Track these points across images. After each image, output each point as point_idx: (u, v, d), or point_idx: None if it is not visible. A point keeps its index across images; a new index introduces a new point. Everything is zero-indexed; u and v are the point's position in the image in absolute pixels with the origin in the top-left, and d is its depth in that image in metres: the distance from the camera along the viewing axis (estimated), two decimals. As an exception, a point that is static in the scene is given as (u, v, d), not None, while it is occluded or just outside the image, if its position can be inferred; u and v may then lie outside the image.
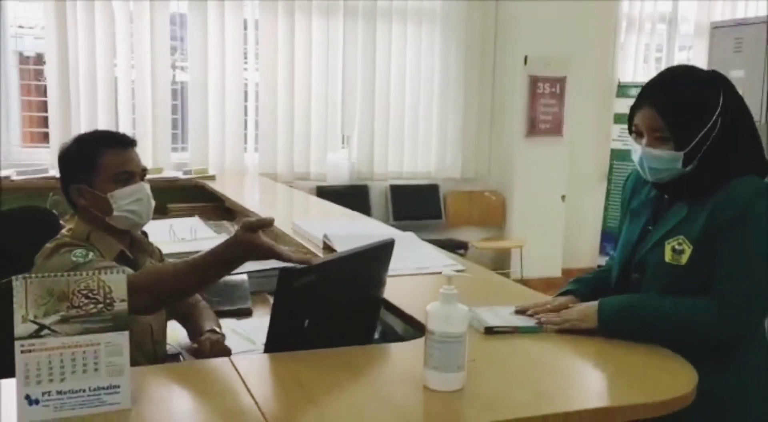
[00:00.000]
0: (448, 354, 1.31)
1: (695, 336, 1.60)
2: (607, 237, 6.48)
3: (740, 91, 3.64)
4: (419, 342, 1.46)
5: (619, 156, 6.42)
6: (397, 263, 2.17)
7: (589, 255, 6.58)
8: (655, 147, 1.64)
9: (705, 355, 1.57)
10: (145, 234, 2.06)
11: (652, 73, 7.00)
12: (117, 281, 1.21)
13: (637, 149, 1.69)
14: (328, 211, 3.69)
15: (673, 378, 1.45)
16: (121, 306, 1.21)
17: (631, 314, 1.64)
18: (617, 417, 1.33)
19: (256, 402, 1.25)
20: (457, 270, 2.19)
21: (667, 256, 1.65)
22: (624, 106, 6.36)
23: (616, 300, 1.69)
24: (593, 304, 1.68)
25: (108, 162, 1.87)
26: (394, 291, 1.92)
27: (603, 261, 6.48)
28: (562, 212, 6.34)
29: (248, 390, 1.31)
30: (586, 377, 1.52)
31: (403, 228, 2.82)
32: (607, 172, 6.50)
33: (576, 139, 6.36)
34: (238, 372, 1.39)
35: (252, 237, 1.55)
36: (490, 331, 1.64)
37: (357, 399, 1.32)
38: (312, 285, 1.55)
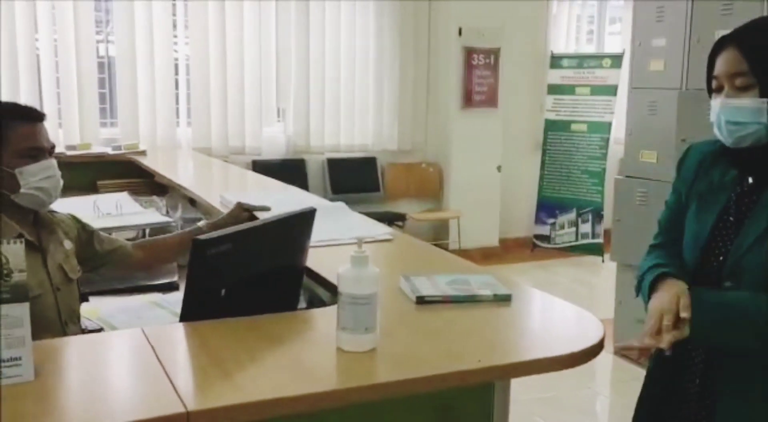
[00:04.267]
0: (357, 316, 1.32)
1: None
2: (543, 206, 6.60)
3: (661, 61, 3.76)
4: (333, 308, 1.47)
5: (552, 126, 6.53)
6: (327, 233, 2.18)
7: (525, 224, 6.71)
8: (737, 97, 1.39)
9: None
10: (52, 212, 1.98)
11: (583, 45, 7.15)
12: (14, 251, 1.17)
13: (715, 105, 1.43)
14: (263, 185, 3.65)
15: (583, 331, 1.50)
16: (19, 277, 1.18)
17: (730, 314, 1.36)
18: (525, 371, 1.37)
19: (166, 372, 1.24)
20: (385, 240, 2.21)
21: None
22: (557, 77, 6.47)
23: (711, 296, 1.40)
24: (680, 287, 1.41)
25: (17, 135, 1.78)
26: (322, 260, 1.93)
27: (539, 230, 6.63)
28: (498, 182, 6.42)
29: (158, 359, 1.30)
30: (502, 337, 1.55)
31: (342, 202, 2.82)
32: (541, 142, 6.60)
33: (510, 110, 6.43)
34: (149, 342, 1.37)
35: (246, 216, 2.12)
36: (421, 301, 1.64)
37: (269, 364, 1.32)
38: (227, 253, 1.54)
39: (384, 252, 2.14)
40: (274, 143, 5.86)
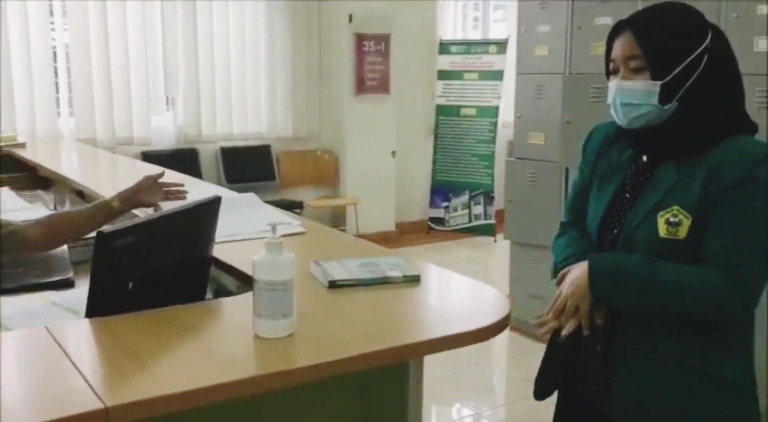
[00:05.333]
0: (274, 302, 1.32)
1: (702, 312, 1.41)
2: (436, 190, 6.76)
3: (546, 47, 3.93)
4: (249, 295, 1.46)
5: (443, 111, 6.67)
6: (237, 226, 2.14)
7: (420, 208, 6.84)
8: (630, 79, 1.45)
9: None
10: None
11: (470, 31, 7.34)
12: None
13: (611, 87, 1.48)
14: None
15: (490, 307, 1.57)
16: None
17: (626, 280, 1.43)
18: (439, 347, 1.42)
19: (78, 369, 1.20)
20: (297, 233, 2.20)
21: (662, 231, 1.43)
22: (446, 63, 6.62)
23: (608, 263, 1.47)
24: (582, 269, 1.47)
25: None
26: (228, 250, 1.91)
27: (434, 213, 6.78)
28: (393, 168, 6.51)
29: (68, 357, 1.25)
30: (415, 316, 1.59)
31: (237, 191, 2.77)
32: (433, 127, 6.74)
33: (403, 96, 6.52)
34: (56, 341, 1.32)
35: (156, 187, 2.20)
36: (333, 285, 1.66)
37: (186, 354, 1.31)
38: (133, 245, 1.50)
39: (293, 239, 2.14)
40: (164, 133, 5.69)
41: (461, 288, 1.79)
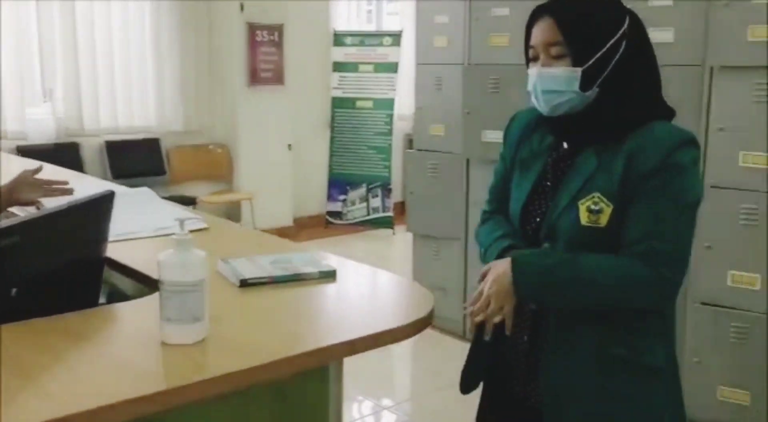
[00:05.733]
0: (184, 305, 1.20)
1: (628, 303, 1.41)
2: (334, 183, 6.67)
3: (444, 38, 3.92)
4: (153, 298, 1.33)
5: (339, 103, 6.59)
6: (132, 224, 1.97)
7: (317, 202, 6.73)
8: (551, 66, 1.42)
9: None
10: None
11: (364, 23, 7.28)
12: None
13: (531, 74, 1.45)
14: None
15: (413, 302, 1.50)
16: None
17: (550, 280, 1.40)
18: (364, 346, 1.34)
19: (-46, 390, 1.04)
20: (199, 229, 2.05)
21: (583, 218, 1.40)
22: (341, 54, 6.53)
23: (530, 263, 1.42)
24: (504, 268, 1.43)
25: None
26: (124, 249, 1.75)
27: (331, 207, 6.69)
28: (289, 161, 6.37)
29: (-59, 377, 1.08)
30: (334, 315, 1.50)
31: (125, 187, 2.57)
32: (329, 119, 6.65)
33: (298, 88, 6.38)
34: (-74, 359, 1.14)
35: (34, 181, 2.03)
36: (245, 284, 1.54)
37: (83, 368, 1.16)
38: (15, 247, 1.33)
39: (196, 236, 1.99)
40: (42, 126, 5.29)
41: (380, 283, 1.72)
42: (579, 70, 1.40)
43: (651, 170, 1.37)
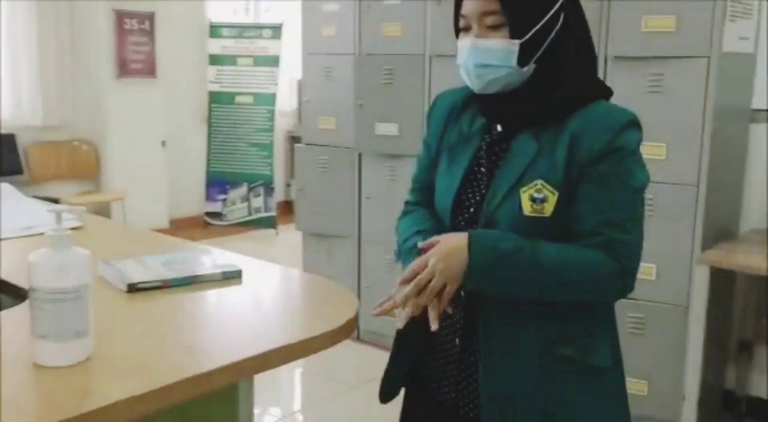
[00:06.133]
0: (62, 317, 0.96)
1: (587, 295, 1.30)
2: (213, 182, 6.33)
3: (333, 27, 3.75)
4: (20, 310, 1.07)
5: (217, 98, 6.27)
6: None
7: (195, 202, 6.38)
8: (486, 37, 1.28)
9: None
10: None
11: (241, 15, 6.98)
12: None
13: (463, 47, 1.31)
14: None
15: (333, 305, 1.32)
16: None
17: (508, 264, 1.24)
18: (283, 358, 1.14)
19: None
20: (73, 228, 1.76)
21: (526, 208, 1.27)
22: (217, 47, 6.21)
23: (488, 243, 1.26)
24: (458, 243, 1.25)
25: None
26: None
27: (210, 207, 6.35)
28: (164, 159, 5.97)
29: None
30: (245, 322, 1.29)
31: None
32: (207, 115, 6.31)
33: (172, 81, 6.00)
34: None
35: None
36: (134, 289, 1.31)
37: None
38: None
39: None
40: None
41: (293, 285, 1.52)
42: (517, 43, 1.27)
43: (598, 153, 1.25)
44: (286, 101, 6.86)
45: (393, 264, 3.58)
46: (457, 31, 1.36)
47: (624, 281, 1.28)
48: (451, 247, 1.26)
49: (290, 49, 6.23)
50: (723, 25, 2.58)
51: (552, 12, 1.30)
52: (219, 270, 1.39)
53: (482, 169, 1.37)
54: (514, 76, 1.30)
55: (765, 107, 2.92)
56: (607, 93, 1.37)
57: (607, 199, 1.26)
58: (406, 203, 1.54)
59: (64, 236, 0.96)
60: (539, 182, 1.27)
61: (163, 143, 5.94)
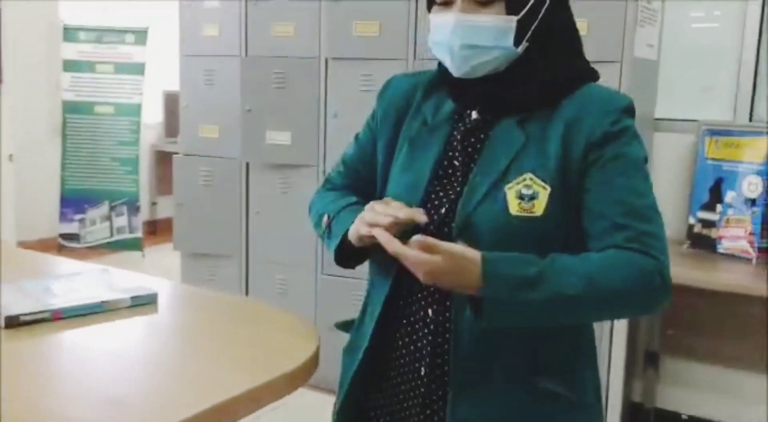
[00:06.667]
0: None
1: (636, 309, 1.14)
2: (68, 201, 5.73)
3: (216, 25, 3.42)
4: None
5: (73, 108, 5.68)
6: None
7: (48, 222, 5.74)
8: (476, 13, 1.10)
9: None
10: None
11: (98, 16, 6.42)
12: None
13: (443, 23, 1.12)
14: None
15: (282, 338, 1.04)
16: None
17: (533, 289, 1.01)
18: (236, 411, 0.85)
19: None
20: None
21: (513, 207, 1.09)
22: (73, 52, 5.66)
23: (506, 274, 1.02)
24: (475, 264, 1.02)
25: None
26: None
27: (66, 228, 5.73)
28: (11, 175, 5.30)
29: None
30: (171, 363, 0.99)
31: None
32: (61, 126, 5.70)
33: (19, 88, 5.35)
34: None
35: None
36: (14, 323, 0.98)
37: None
38: None
39: None
40: None
41: (226, 311, 1.21)
42: (514, 20, 1.10)
43: (603, 136, 1.09)
44: (152, 112, 6.38)
45: (286, 284, 3.30)
46: (431, 3, 1.16)
47: (665, 280, 1.07)
48: (470, 258, 1.03)
49: (158, 56, 5.79)
50: (635, 30, 2.54)
51: None
52: (126, 296, 1.07)
53: (455, 163, 1.16)
54: (505, 58, 1.13)
55: (667, 116, 2.93)
56: (595, 75, 1.21)
57: (625, 186, 1.08)
58: (328, 181, 1.33)
59: None
60: (528, 176, 1.10)
61: (10, 157, 5.27)
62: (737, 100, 2.85)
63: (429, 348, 1.15)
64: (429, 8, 1.18)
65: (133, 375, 0.91)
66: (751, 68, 2.80)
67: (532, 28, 1.12)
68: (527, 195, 1.09)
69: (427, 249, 1.01)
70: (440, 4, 1.15)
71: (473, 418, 1.12)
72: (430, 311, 1.16)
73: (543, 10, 1.13)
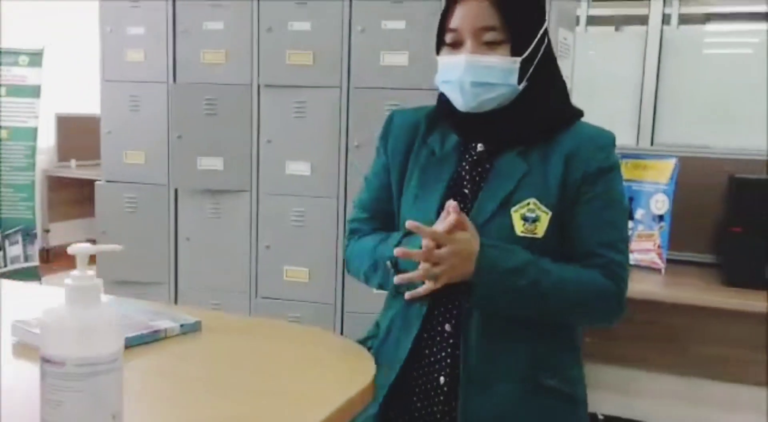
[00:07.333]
0: (98, 396, 0.68)
1: (589, 318, 1.30)
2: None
3: (141, 51, 3.39)
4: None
5: (9, 134, 5.38)
6: None
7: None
8: (485, 54, 1.23)
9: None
10: None
11: (45, 37, 6.09)
12: None
13: (455, 63, 1.24)
14: None
15: (337, 365, 1.11)
16: None
17: (510, 284, 1.19)
18: None
19: None
20: None
21: (518, 228, 1.23)
22: (9, 76, 5.37)
23: (496, 262, 1.20)
24: (475, 249, 1.20)
25: None
26: None
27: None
28: None
29: None
30: (232, 390, 1.04)
31: None
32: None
33: None
34: None
35: None
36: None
37: None
38: None
39: None
40: None
41: (276, 337, 1.24)
42: (518, 61, 1.25)
43: (596, 171, 1.26)
44: (43, 137, 6.11)
45: (219, 308, 3.29)
46: (441, 44, 1.29)
47: (620, 303, 1.28)
48: (473, 248, 1.20)
49: (49, 78, 5.58)
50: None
51: (543, 28, 1.30)
52: (176, 323, 1.11)
53: (465, 191, 1.30)
54: (509, 95, 1.27)
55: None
56: (582, 113, 1.39)
57: (606, 220, 1.27)
58: (354, 230, 1.41)
59: (93, 286, 0.68)
60: (532, 201, 1.24)
61: None
62: (640, 126, 3.16)
63: (449, 360, 1.26)
64: (438, 51, 1.30)
65: (239, 397, 0.95)
66: (651, 97, 3.12)
67: (531, 69, 1.27)
68: (530, 217, 1.24)
69: (459, 224, 1.18)
70: (450, 46, 1.27)
71: (482, 413, 1.24)
72: (447, 326, 1.27)
73: (539, 55, 1.29)
